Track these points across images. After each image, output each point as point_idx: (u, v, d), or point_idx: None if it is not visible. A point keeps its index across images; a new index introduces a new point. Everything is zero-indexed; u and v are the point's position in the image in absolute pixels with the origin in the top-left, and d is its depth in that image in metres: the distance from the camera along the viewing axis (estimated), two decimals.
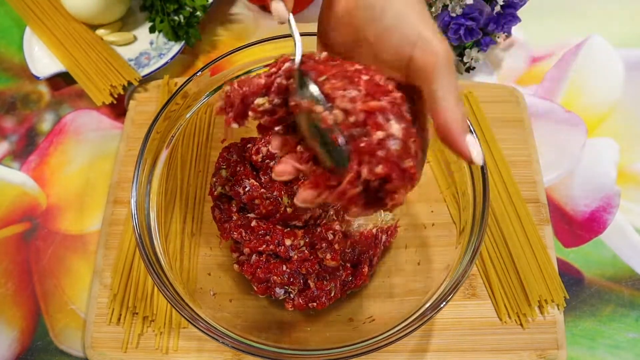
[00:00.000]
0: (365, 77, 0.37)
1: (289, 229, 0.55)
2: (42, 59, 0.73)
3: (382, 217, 0.61)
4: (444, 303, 0.46)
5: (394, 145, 0.35)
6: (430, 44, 0.36)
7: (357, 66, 0.38)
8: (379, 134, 0.35)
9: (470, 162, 0.37)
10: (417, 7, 0.38)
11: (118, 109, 0.73)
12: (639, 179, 0.67)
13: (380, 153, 0.34)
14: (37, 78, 0.71)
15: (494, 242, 0.61)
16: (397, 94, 0.37)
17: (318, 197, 0.38)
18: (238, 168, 0.56)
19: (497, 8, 0.70)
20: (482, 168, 0.50)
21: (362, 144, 0.35)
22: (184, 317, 0.46)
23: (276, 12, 0.40)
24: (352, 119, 0.35)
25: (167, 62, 0.73)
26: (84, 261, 0.63)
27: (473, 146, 0.36)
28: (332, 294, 0.53)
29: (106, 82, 0.70)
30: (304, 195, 0.39)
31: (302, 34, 0.40)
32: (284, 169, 0.40)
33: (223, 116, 0.42)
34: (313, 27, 0.44)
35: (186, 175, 0.62)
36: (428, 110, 0.37)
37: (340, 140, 0.36)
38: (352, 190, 0.36)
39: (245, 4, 0.81)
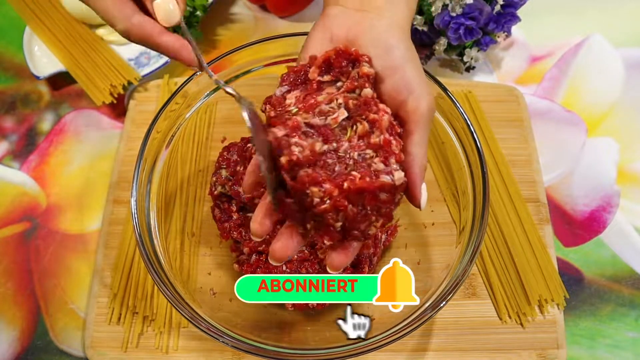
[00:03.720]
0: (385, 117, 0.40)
1: None
2: (42, 59, 0.73)
3: None
4: (444, 302, 0.46)
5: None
6: (423, 98, 0.40)
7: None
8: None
9: (415, 206, 0.41)
10: (417, 58, 0.41)
11: (118, 108, 0.73)
12: (639, 179, 0.67)
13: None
14: (37, 78, 0.70)
15: (494, 242, 0.61)
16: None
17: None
18: (238, 168, 0.56)
19: (497, 7, 0.70)
20: (482, 167, 0.50)
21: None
22: (184, 316, 0.46)
23: (162, 11, 0.37)
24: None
25: (167, 62, 0.73)
26: (84, 261, 0.63)
27: (424, 194, 0.41)
28: None
29: (106, 81, 0.70)
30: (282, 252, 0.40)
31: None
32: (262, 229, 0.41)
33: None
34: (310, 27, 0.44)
35: (186, 174, 0.63)
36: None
37: None
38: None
39: (245, 3, 0.81)
